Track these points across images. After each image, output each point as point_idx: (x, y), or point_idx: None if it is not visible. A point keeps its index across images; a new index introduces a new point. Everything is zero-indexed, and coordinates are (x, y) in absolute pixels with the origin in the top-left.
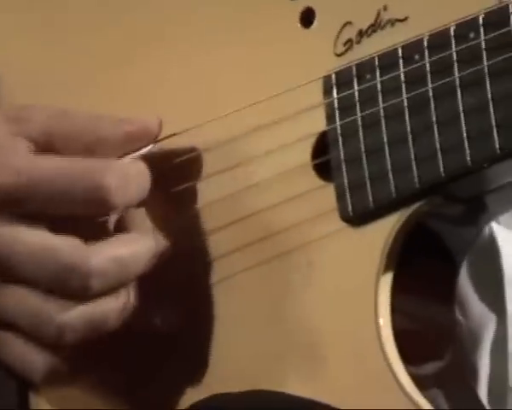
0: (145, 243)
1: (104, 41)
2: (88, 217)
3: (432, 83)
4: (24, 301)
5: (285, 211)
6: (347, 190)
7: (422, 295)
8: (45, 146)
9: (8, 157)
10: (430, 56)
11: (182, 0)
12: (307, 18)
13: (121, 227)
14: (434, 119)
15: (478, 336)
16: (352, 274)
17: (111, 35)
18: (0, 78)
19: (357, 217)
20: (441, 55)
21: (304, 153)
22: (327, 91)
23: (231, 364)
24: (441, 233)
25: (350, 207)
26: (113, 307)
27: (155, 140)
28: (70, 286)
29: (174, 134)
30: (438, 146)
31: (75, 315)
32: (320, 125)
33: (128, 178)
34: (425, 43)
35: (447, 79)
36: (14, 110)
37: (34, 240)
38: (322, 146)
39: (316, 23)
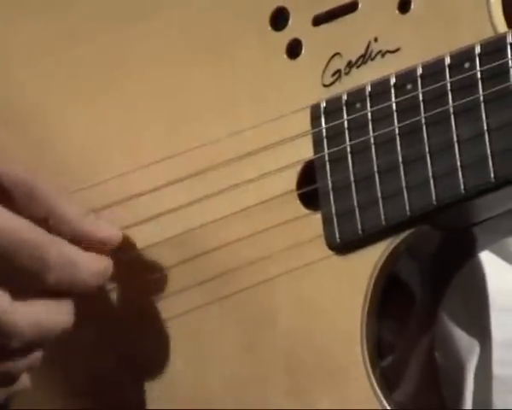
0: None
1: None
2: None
3: (425, 112)
4: None
5: (269, 239)
6: (335, 218)
7: (403, 324)
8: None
9: None
10: (423, 86)
11: (157, 32)
12: (294, 49)
13: None
14: (427, 147)
15: (462, 361)
16: (338, 301)
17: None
18: None
19: (345, 245)
20: (435, 85)
21: (289, 181)
22: (314, 120)
23: (204, 390)
24: (426, 263)
25: (337, 235)
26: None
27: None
28: None
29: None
30: (430, 174)
31: None
32: (306, 153)
33: (69, 262)
34: (418, 73)
35: (440, 109)
36: None
37: None
38: (307, 175)
39: (303, 54)
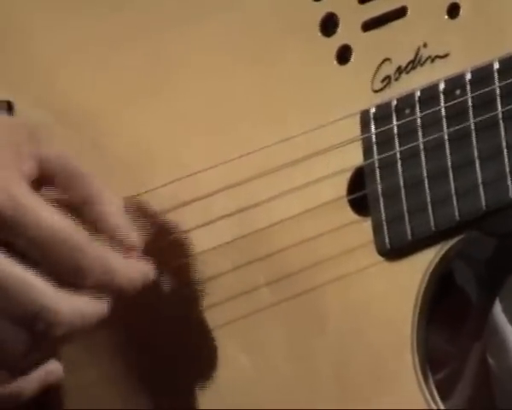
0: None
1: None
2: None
3: (474, 117)
4: None
5: (319, 246)
6: (385, 224)
7: (455, 330)
8: (45, 178)
9: (8, 178)
10: (472, 91)
11: (204, 38)
12: (343, 55)
13: None
14: (476, 153)
15: None
16: (388, 308)
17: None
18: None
19: (395, 250)
20: (484, 90)
21: (339, 188)
22: (364, 126)
23: (253, 398)
24: (480, 269)
25: (387, 241)
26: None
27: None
28: (34, 324)
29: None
30: (480, 180)
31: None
32: (356, 159)
33: (106, 268)
34: (467, 78)
35: (489, 114)
36: (36, 128)
37: (10, 269)
38: (358, 181)
39: (353, 60)
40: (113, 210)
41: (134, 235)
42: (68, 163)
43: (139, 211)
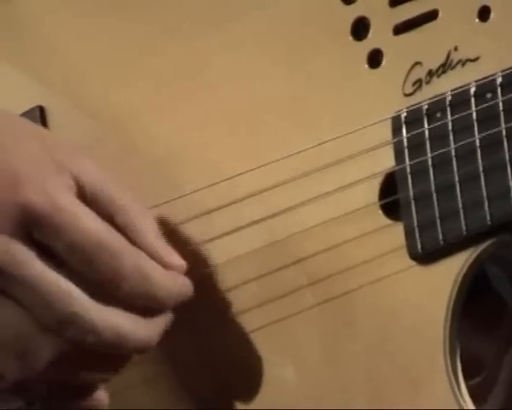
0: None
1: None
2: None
3: (505, 121)
4: (17, 318)
5: (351, 250)
6: (416, 228)
7: (490, 334)
8: (82, 198)
9: (49, 182)
10: (503, 95)
11: (235, 43)
12: (375, 59)
13: None
14: (507, 156)
15: None
16: (420, 311)
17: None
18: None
19: (427, 255)
20: None
21: (371, 192)
22: (396, 130)
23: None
24: (510, 271)
25: (419, 245)
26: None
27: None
28: (64, 329)
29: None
30: (511, 184)
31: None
32: (388, 164)
33: (143, 276)
34: (498, 82)
35: None
36: (74, 148)
37: (43, 274)
38: (389, 185)
39: (384, 64)
40: (151, 239)
41: (175, 258)
42: (108, 190)
43: (171, 219)
